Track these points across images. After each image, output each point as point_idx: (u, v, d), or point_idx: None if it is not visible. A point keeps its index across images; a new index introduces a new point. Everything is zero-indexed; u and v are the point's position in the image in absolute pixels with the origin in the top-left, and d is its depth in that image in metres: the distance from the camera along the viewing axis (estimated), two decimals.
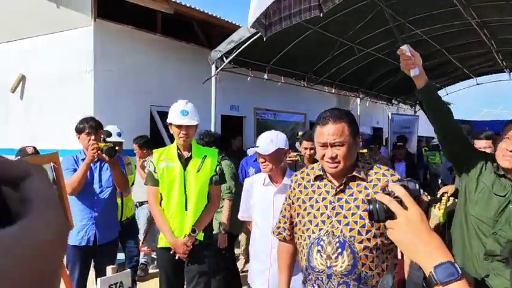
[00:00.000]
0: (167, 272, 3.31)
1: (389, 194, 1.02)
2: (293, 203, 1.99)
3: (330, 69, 7.56)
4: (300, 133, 6.03)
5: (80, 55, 6.45)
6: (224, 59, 5.15)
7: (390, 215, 0.98)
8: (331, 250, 1.76)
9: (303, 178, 2.02)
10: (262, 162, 2.69)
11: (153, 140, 5.81)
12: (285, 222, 2.06)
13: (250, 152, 2.86)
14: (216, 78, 5.27)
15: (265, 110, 10.51)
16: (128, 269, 4.01)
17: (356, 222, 1.77)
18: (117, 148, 3.90)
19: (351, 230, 1.76)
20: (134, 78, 6.93)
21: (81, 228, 3.55)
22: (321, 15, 3.24)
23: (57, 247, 0.32)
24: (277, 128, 10.68)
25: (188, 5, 6.38)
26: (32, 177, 0.34)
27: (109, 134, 4.49)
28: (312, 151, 4.44)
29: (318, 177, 1.94)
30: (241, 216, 3.10)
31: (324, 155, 1.81)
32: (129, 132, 5.52)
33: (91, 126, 3.55)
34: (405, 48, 1.67)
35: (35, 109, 7.01)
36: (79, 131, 3.60)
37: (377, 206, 1.05)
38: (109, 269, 3.50)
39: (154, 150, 3.35)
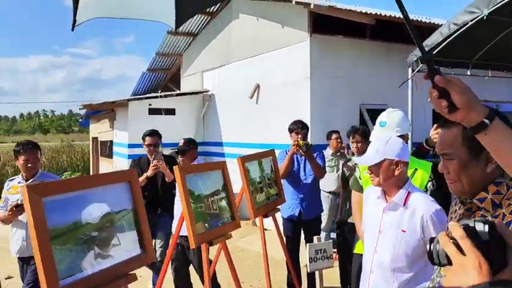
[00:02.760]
0: None
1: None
2: None
3: None
4: None
5: (300, 65, 7.75)
6: (420, 62, 5.58)
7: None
8: None
9: None
10: (369, 174, 2.44)
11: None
12: None
13: (356, 162, 2.63)
14: (412, 81, 5.73)
15: (484, 101, 9.96)
16: (331, 240, 5.01)
17: None
18: None
19: None
20: (345, 81, 7.87)
21: (290, 205, 4.67)
22: None
23: None
24: None
25: (388, 14, 6.95)
26: None
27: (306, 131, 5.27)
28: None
29: None
30: (359, 229, 2.92)
31: None
32: (339, 128, 6.51)
33: (298, 127, 4.61)
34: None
35: (266, 111, 8.69)
36: (290, 130, 4.70)
37: (438, 247, 0.86)
38: (315, 238, 4.59)
39: None
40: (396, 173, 2.33)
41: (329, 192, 6.28)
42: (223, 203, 3.02)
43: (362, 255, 2.97)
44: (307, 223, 4.68)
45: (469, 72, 6.47)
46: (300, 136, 4.53)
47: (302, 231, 4.81)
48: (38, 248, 1.76)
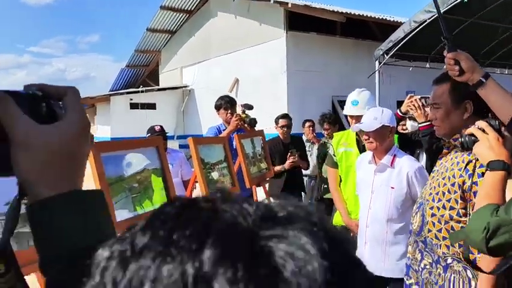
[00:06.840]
0: None
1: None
2: None
3: (497, 53, 7.82)
4: None
5: (277, 60, 8.38)
6: (385, 55, 6.29)
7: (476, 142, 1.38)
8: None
9: None
10: (366, 140, 2.69)
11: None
12: None
13: (355, 129, 2.88)
14: (379, 72, 6.44)
15: None
16: None
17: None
18: None
19: (430, 194, 1.84)
20: (318, 74, 8.56)
21: None
22: None
23: (80, 136, 0.52)
24: None
25: (358, 13, 7.68)
26: (68, 95, 0.54)
27: (251, 107, 4.63)
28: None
29: None
30: (337, 202, 3.37)
31: None
32: (314, 118, 7.14)
33: (226, 102, 4.13)
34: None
35: None
36: (217, 107, 4.13)
37: (466, 138, 1.42)
38: None
39: (334, 134, 3.70)
40: (390, 137, 2.68)
41: (305, 176, 6.90)
42: (225, 171, 3.58)
43: (341, 226, 3.25)
44: None
45: (428, 65, 7.25)
46: (230, 111, 4.06)
47: None
48: None
